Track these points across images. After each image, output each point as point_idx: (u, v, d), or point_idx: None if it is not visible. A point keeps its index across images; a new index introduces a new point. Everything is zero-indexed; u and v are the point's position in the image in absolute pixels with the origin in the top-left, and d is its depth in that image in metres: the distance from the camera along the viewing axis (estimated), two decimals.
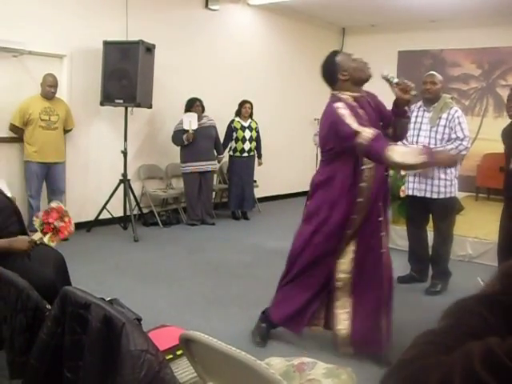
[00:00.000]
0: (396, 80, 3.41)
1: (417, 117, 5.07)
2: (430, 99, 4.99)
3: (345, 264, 3.62)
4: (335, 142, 3.46)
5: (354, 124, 3.28)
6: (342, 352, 3.67)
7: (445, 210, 5.09)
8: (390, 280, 3.66)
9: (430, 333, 0.69)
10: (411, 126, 5.08)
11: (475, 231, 6.43)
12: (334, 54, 3.62)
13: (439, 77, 5.05)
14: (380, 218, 3.57)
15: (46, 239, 2.86)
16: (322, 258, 3.64)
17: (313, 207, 3.68)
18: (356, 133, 3.24)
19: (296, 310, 3.75)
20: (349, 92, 3.53)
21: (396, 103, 3.51)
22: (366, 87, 3.61)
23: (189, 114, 7.51)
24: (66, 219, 3.09)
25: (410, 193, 5.18)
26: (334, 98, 3.55)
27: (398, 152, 3.17)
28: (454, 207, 5.33)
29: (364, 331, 3.62)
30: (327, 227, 3.56)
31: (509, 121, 4.66)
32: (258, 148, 8.39)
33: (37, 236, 2.94)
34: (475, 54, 10.06)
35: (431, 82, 4.97)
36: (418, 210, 5.24)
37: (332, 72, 3.58)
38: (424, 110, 5.05)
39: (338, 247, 3.60)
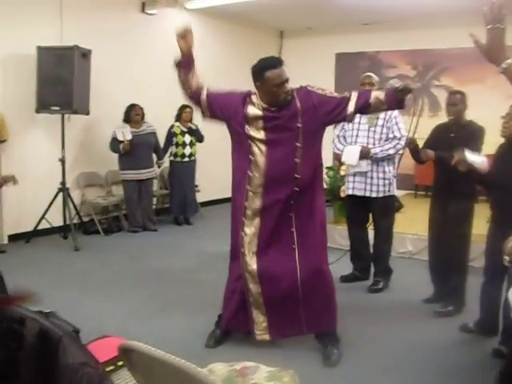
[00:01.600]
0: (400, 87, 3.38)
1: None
2: None
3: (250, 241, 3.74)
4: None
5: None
6: (259, 339, 3.78)
7: (384, 209, 5.19)
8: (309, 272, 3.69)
9: None
10: (350, 126, 5.17)
11: (415, 228, 6.57)
12: (274, 63, 3.56)
13: (376, 78, 5.16)
14: (290, 214, 3.64)
15: None
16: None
17: None
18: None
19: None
20: (261, 101, 3.60)
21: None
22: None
23: (122, 125, 7.51)
24: None
25: (350, 192, 5.26)
26: (246, 93, 3.72)
27: None
28: (393, 205, 5.45)
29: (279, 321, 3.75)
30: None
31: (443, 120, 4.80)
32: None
33: None
34: (410, 55, 10.31)
35: (369, 84, 5.06)
36: (358, 210, 5.32)
37: (255, 77, 3.63)
38: None
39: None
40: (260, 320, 3.76)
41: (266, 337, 3.77)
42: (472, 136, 4.38)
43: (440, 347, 3.92)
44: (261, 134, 3.56)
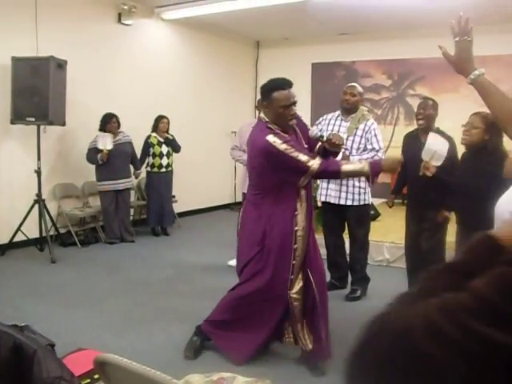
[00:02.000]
0: (325, 137, 3.50)
1: (334, 125, 5.19)
2: (348, 109, 5.13)
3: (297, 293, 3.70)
4: (276, 176, 3.53)
5: (302, 156, 3.37)
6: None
7: (360, 217, 5.22)
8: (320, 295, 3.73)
9: (400, 295, 0.82)
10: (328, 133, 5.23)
11: (391, 236, 6.61)
12: (282, 84, 3.54)
13: (359, 89, 5.21)
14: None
15: None
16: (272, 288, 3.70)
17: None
18: (307, 166, 3.36)
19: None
20: (275, 126, 3.55)
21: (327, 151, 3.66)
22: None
23: (103, 134, 7.41)
24: None
25: (323, 199, 5.30)
26: (263, 127, 3.55)
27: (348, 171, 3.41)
28: (369, 214, 5.50)
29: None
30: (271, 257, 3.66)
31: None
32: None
33: None
34: (385, 65, 10.40)
35: (350, 94, 5.12)
36: (334, 218, 5.35)
37: (262, 96, 3.62)
38: (341, 120, 5.18)
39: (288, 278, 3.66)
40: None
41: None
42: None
43: None
44: None
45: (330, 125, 5.23)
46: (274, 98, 3.47)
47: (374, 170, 3.42)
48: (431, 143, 4.24)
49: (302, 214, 3.60)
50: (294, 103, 3.50)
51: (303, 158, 3.37)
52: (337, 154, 3.70)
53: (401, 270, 5.62)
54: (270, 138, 3.41)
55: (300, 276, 3.68)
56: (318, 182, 5.48)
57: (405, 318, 0.72)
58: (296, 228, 3.59)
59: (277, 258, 3.63)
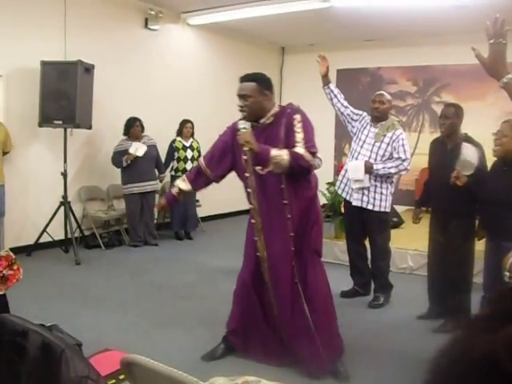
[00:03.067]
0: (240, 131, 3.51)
1: (364, 128, 5.19)
2: (378, 117, 5.14)
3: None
4: None
5: (204, 153, 4.03)
6: None
7: (380, 224, 5.19)
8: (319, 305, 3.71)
9: (471, 320, 0.75)
10: (356, 137, 5.23)
11: (415, 244, 6.56)
12: (240, 78, 3.69)
13: (388, 97, 5.23)
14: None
15: None
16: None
17: None
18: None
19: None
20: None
21: None
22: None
23: (139, 143, 7.52)
24: (15, 267, 3.00)
25: (344, 195, 5.29)
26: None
27: None
28: (389, 222, 5.46)
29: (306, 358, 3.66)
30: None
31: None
32: None
33: None
34: (411, 71, 10.35)
35: (379, 102, 5.13)
36: (356, 222, 5.32)
37: None
38: (370, 125, 5.17)
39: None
40: None
41: None
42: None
43: None
44: None
45: (362, 127, 5.23)
46: None
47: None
48: (465, 154, 4.12)
49: (255, 211, 3.68)
50: (242, 96, 3.63)
51: (203, 154, 4.09)
52: (257, 159, 3.56)
53: (424, 277, 5.57)
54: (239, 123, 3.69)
55: None
56: (340, 178, 5.44)
57: (486, 344, 0.67)
58: (253, 221, 3.70)
59: (245, 248, 3.83)
